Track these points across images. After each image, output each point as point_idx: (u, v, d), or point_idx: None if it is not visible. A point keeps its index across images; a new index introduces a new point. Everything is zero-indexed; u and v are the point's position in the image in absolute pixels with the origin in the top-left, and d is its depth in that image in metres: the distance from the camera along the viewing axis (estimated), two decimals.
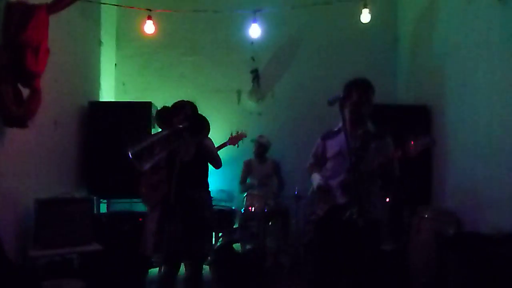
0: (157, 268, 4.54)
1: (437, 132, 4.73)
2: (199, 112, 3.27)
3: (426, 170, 4.79)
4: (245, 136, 4.88)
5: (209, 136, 3.34)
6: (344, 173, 2.90)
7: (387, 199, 4.26)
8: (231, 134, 4.80)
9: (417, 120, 4.84)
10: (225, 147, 4.97)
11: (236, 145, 4.82)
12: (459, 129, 4.29)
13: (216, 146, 3.68)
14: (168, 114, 3.86)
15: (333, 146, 3.03)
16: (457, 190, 4.29)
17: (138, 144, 2.69)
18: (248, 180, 5.51)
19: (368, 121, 3.01)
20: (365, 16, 5.26)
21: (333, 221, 2.91)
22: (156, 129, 4.23)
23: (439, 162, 4.69)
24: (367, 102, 2.93)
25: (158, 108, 4.01)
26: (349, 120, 2.94)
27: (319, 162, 3.18)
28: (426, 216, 4.10)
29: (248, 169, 5.53)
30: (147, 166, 2.77)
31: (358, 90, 2.93)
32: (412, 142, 2.66)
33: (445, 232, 3.58)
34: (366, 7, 5.21)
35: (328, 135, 3.12)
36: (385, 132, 3.03)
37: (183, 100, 3.32)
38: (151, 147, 3.33)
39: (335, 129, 3.07)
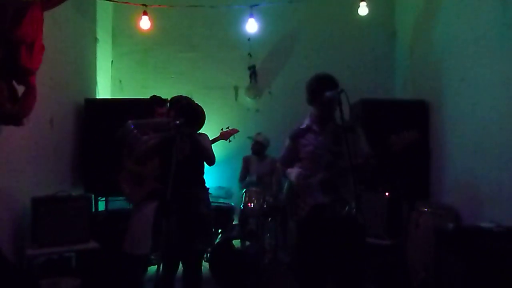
0: (155, 266, 4.56)
1: (435, 127, 4.73)
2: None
3: (424, 165, 4.78)
4: (237, 131, 4.85)
5: (206, 132, 3.35)
6: (321, 172, 2.85)
7: (386, 194, 4.25)
8: (222, 129, 4.78)
9: (415, 115, 4.82)
10: (221, 144, 4.94)
11: (228, 140, 4.79)
12: (457, 124, 4.28)
13: None
14: (154, 102, 3.94)
15: (305, 145, 2.95)
16: (456, 184, 4.28)
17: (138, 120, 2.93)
18: (248, 178, 5.49)
19: (335, 116, 2.90)
20: (363, 9, 5.24)
21: (317, 221, 2.86)
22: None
23: (437, 157, 4.68)
24: (339, 102, 2.76)
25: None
26: (317, 117, 2.91)
27: (290, 163, 3.07)
28: (425, 210, 4.10)
29: (247, 165, 5.51)
30: (145, 138, 2.91)
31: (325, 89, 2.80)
32: (394, 137, 2.65)
33: (444, 227, 3.56)
34: (363, 0, 5.18)
35: (298, 134, 3.00)
36: (354, 123, 2.98)
37: (180, 95, 3.31)
38: (144, 130, 3.39)
39: (303, 127, 2.97)
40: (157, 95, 4.10)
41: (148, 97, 4.16)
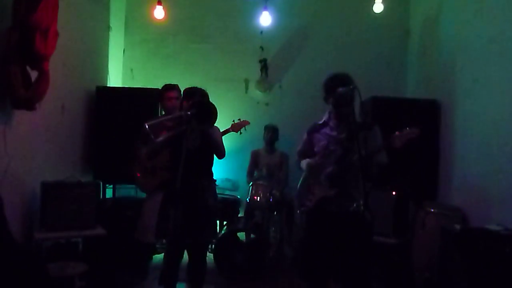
0: (161, 254, 4.60)
1: (446, 127, 4.70)
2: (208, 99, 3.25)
3: (433, 165, 4.76)
4: (248, 123, 4.87)
5: (215, 124, 3.34)
6: (332, 166, 2.92)
7: (393, 192, 4.24)
8: (233, 121, 4.80)
9: (426, 114, 4.79)
10: (230, 136, 4.95)
11: (239, 132, 4.81)
12: (468, 124, 4.25)
13: None
14: (163, 89, 3.95)
15: (320, 139, 3.03)
16: (464, 185, 4.26)
17: (153, 119, 3.01)
18: (256, 174, 5.49)
19: (353, 113, 2.90)
20: (378, 6, 5.20)
21: (323, 213, 2.94)
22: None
23: (446, 157, 4.65)
24: (350, 98, 2.78)
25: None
26: (334, 113, 2.96)
27: (306, 156, 3.16)
28: (432, 210, 4.08)
29: (255, 159, 5.50)
30: (160, 139, 3.00)
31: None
32: (397, 133, 2.69)
33: (451, 227, 3.55)
34: None
35: (314, 129, 3.10)
36: (372, 122, 3.03)
37: (195, 87, 3.31)
38: (158, 128, 3.39)
39: (320, 122, 3.07)
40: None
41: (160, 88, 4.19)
